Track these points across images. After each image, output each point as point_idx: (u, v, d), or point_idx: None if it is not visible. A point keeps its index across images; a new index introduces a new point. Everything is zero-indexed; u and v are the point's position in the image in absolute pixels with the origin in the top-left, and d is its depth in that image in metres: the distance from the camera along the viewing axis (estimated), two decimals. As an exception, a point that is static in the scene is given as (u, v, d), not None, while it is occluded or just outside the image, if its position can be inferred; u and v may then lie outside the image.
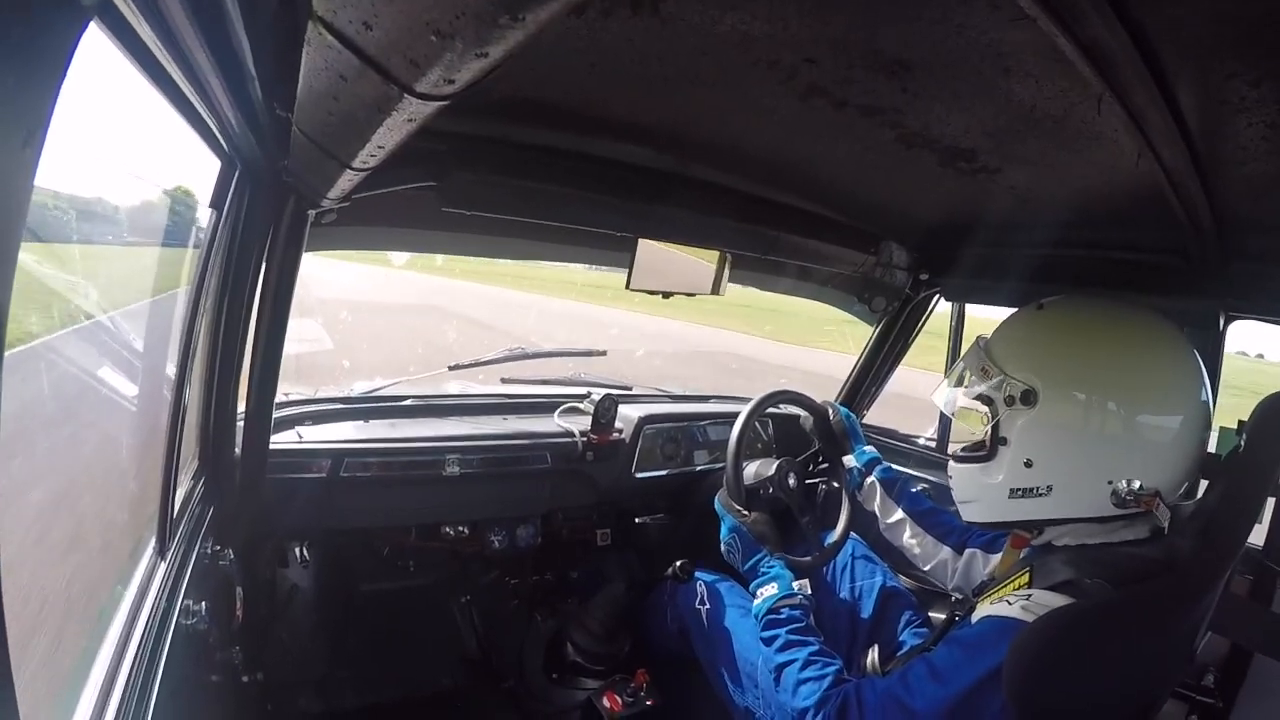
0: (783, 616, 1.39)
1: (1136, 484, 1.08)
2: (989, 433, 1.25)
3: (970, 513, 1.31)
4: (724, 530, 1.61)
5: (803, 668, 1.29)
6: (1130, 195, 1.27)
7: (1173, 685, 1.38)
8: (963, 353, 1.33)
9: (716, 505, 1.65)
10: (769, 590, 1.44)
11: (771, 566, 1.49)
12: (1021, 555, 1.33)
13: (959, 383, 1.32)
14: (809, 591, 1.47)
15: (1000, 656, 1.02)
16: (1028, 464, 1.19)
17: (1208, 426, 1.14)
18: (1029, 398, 1.18)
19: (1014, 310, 1.33)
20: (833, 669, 1.28)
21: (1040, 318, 1.27)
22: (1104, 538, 1.16)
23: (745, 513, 1.60)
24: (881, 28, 0.81)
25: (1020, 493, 1.20)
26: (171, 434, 1.03)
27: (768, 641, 1.38)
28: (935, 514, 1.69)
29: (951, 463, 1.35)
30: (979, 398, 1.26)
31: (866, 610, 1.70)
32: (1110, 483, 1.10)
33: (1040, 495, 1.18)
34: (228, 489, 1.41)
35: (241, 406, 1.40)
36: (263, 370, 1.37)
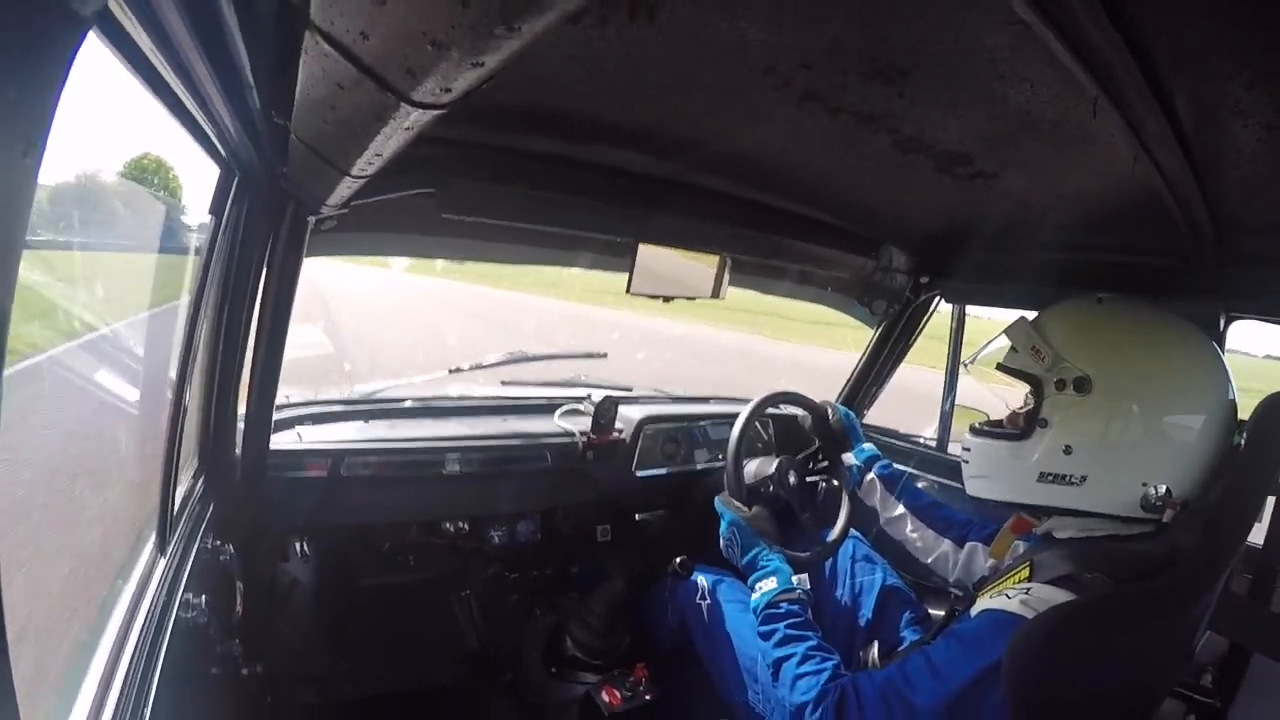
0: (781, 611, 1.38)
1: (1165, 489, 1.08)
2: (1027, 412, 1.24)
3: (983, 488, 1.30)
4: (723, 525, 1.60)
5: (800, 662, 1.28)
6: (1127, 198, 1.27)
7: (1172, 683, 1.38)
8: (1006, 328, 1.31)
9: (716, 504, 1.64)
10: (768, 584, 1.43)
11: (770, 560, 1.48)
12: (1021, 547, 1.33)
13: (995, 354, 1.31)
14: (808, 586, 1.46)
15: (999, 652, 1.02)
16: (1066, 450, 1.18)
17: (1234, 427, 1.15)
18: (1083, 385, 1.17)
19: (1065, 302, 1.32)
20: (830, 663, 1.27)
21: (1100, 311, 1.26)
22: (1108, 531, 1.16)
23: (745, 509, 1.59)
24: (877, 33, 0.82)
25: (1051, 478, 1.19)
26: (172, 434, 1.04)
27: (766, 636, 1.37)
28: (936, 508, 1.70)
29: (970, 435, 1.34)
30: (1022, 375, 1.25)
31: (867, 607, 1.70)
32: (1145, 485, 1.10)
33: (1072, 484, 1.18)
34: (228, 487, 1.42)
35: (242, 409, 1.41)
36: (263, 373, 1.38)
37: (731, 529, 1.56)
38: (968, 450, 1.34)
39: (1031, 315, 1.30)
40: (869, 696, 1.17)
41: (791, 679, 1.27)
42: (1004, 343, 1.29)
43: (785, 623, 1.35)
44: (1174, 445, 1.12)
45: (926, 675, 1.11)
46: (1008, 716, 1.02)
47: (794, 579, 1.44)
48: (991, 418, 1.39)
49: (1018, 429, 1.25)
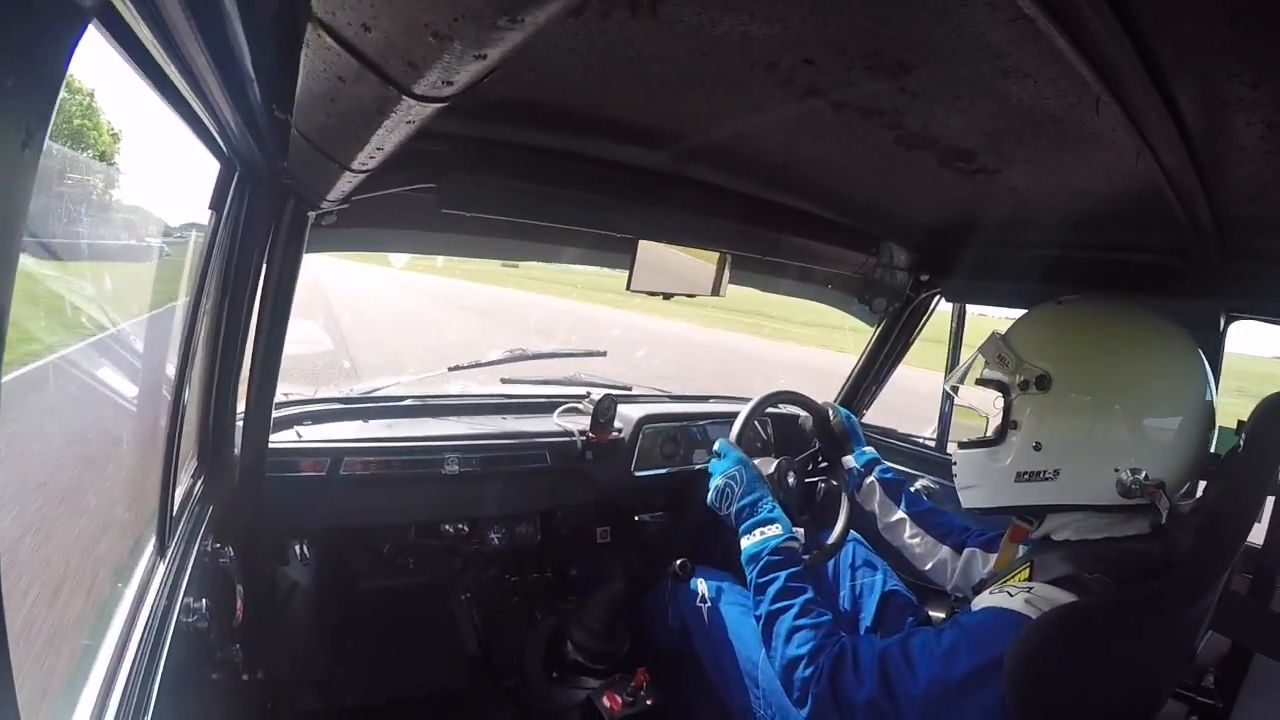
0: (782, 559, 1.34)
1: (1142, 473, 1.09)
2: (999, 418, 1.27)
3: (972, 498, 1.32)
4: (724, 465, 1.53)
5: (798, 615, 1.26)
6: (1129, 196, 1.28)
7: (1173, 684, 1.38)
8: (979, 345, 1.34)
9: (719, 444, 1.59)
10: (771, 530, 1.39)
11: (776, 508, 1.44)
12: (1020, 551, 1.33)
13: (972, 371, 1.35)
14: (802, 539, 1.43)
15: (1000, 649, 1.01)
16: (1036, 447, 1.21)
17: (1211, 427, 1.16)
18: (1043, 382, 1.21)
19: (1031, 309, 1.34)
20: (826, 619, 1.25)
21: (1059, 311, 1.30)
22: (1105, 532, 1.16)
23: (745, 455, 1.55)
24: (881, 29, 0.81)
25: (1027, 476, 1.22)
26: (171, 433, 1.03)
27: (763, 586, 1.32)
28: (934, 514, 1.70)
29: (956, 449, 1.37)
30: (993, 384, 1.28)
31: (868, 611, 1.69)
32: (1116, 470, 1.11)
33: (1046, 480, 1.20)
34: (227, 487, 1.41)
35: (241, 406, 1.40)
36: (263, 370, 1.38)
37: (737, 468, 1.50)
38: (955, 465, 1.37)
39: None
40: (866, 662, 1.15)
41: (787, 631, 1.25)
42: (981, 360, 1.32)
43: (786, 572, 1.32)
44: (1137, 428, 1.15)
45: (926, 659, 1.11)
46: (1008, 716, 1.02)
47: (793, 529, 1.41)
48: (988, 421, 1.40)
49: (995, 434, 1.28)
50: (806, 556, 1.41)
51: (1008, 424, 1.25)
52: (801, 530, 1.45)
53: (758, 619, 1.32)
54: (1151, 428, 1.15)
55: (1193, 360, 1.17)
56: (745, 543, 1.41)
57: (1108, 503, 1.14)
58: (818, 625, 1.23)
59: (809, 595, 1.29)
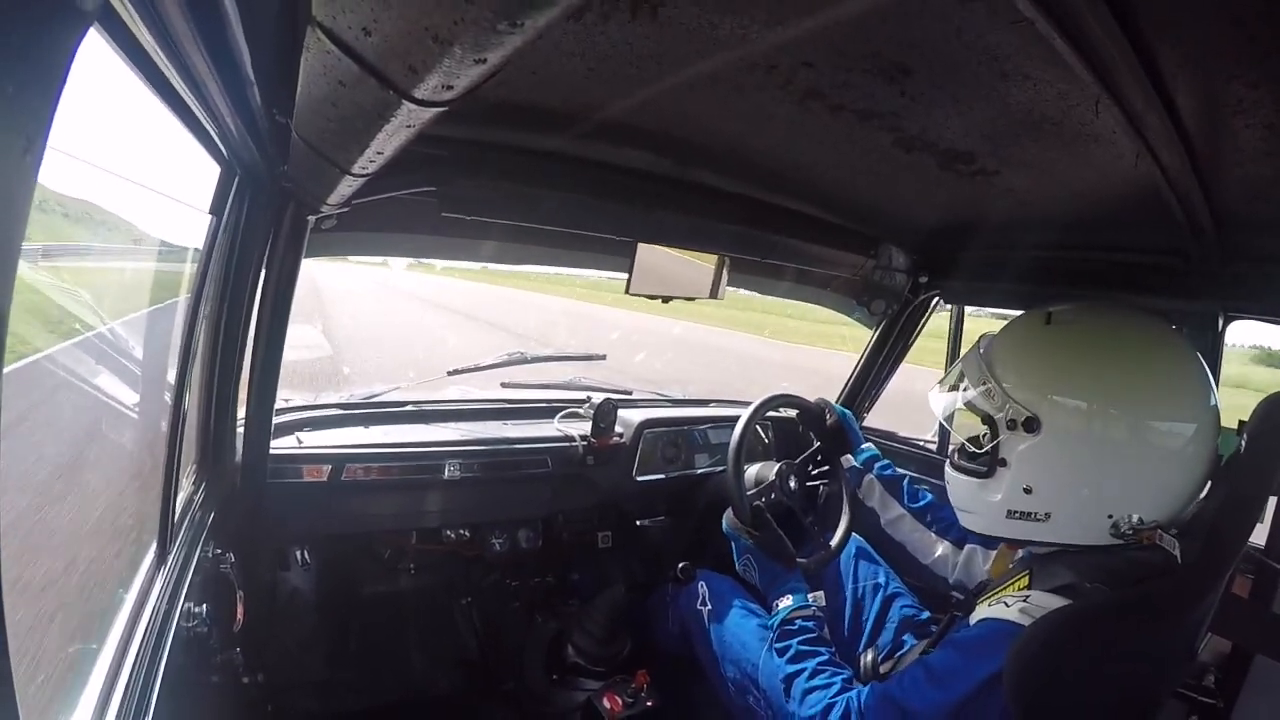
0: (795, 627, 1.43)
1: (1136, 518, 1.07)
2: (989, 451, 1.22)
3: (968, 521, 1.32)
4: (737, 550, 1.65)
5: (810, 677, 1.33)
6: (1129, 197, 1.27)
7: (1173, 686, 1.38)
8: (963, 354, 1.31)
9: (725, 529, 1.69)
10: (784, 602, 1.49)
11: (786, 578, 1.53)
12: (1019, 556, 1.33)
13: (956, 389, 1.29)
14: (823, 603, 1.51)
15: (999, 661, 1.02)
16: (1027, 490, 1.17)
17: (1216, 439, 1.12)
18: (1032, 425, 1.15)
19: (1017, 315, 1.31)
20: (840, 677, 1.31)
21: (1047, 335, 1.23)
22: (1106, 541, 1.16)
23: (754, 532, 1.62)
24: (880, 31, 0.81)
25: (1018, 515, 1.18)
26: (172, 439, 1.03)
27: (780, 652, 1.41)
28: (935, 509, 1.70)
29: (949, 468, 1.33)
30: (979, 414, 1.23)
31: (869, 611, 1.70)
32: (1111, 516, 1.09)
33: (1038, 521, 1.17)
34: (228, 493, 1.41)
35: (242, 412, 1.40)
36: (262, 375, 1.38)
37: (746, 556, 1.63)
38: (949, 485, 1.33)
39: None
40: (870, 706, 1.19)
41: (801, 693, 1.32)
42: (965, 378, 1.27)
43: (799, 639, 1.41)
44: (1134, 475, 1.10)
45: (925, 684, 1.13)
46: None
47: (810, 596, 1.50)
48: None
49: (984, 466, 1.23)
50: (821, 612, 1.50)
51: (996, 460, 1.20)
52: (821, 594, 1.54)
53: (780, 681, 1.39)
54: (1148, 474, 1.10)
55: (1193, 376, 1.13)
56: (771, 615, 1.53)
57: (1101, 543, 1.12)
58: (829, 685, 1.31)
59: (823, 657, 1.38)
